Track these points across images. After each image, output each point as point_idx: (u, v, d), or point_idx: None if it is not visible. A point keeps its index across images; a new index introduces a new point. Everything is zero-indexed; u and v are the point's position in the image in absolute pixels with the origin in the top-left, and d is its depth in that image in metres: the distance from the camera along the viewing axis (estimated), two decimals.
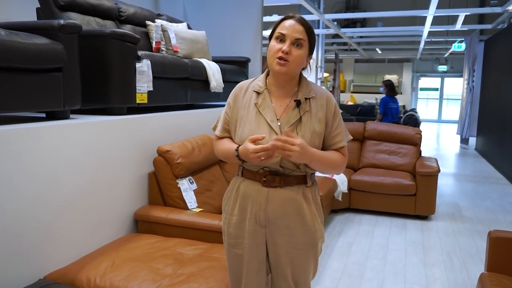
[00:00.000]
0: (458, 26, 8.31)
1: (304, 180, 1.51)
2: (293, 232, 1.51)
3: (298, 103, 1.48)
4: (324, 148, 1.55)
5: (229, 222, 1.58)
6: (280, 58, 1.43)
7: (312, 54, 1.52)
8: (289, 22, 1.44)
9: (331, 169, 1.55)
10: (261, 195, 1.49)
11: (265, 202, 1.49)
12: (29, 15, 2.75)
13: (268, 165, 1.46)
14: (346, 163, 1.58)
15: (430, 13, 7.01)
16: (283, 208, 1.49)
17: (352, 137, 1.64)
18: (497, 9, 7.09)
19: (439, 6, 6.69)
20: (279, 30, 1.45)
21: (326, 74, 13.32)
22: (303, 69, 1.55)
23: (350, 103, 14.41)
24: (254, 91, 1.54)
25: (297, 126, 1.47)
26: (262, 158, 1.38)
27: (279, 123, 1.48)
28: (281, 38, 1.44)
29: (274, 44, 1.45)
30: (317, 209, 1.56)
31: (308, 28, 1.45)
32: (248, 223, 1.52)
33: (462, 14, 7.67)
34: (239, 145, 1.49)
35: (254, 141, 1.40)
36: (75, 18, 2.63)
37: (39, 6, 2.61)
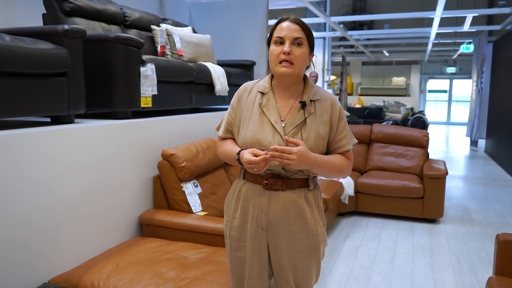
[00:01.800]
0: (466, 27, 8.24)
1: (306, 183, 1.50)
2: (295, 235, 1.50)
3: (303, 105, 1.47)
4: (329, 151, 1.54)
5: (231, 225, 1.57)
6: (283, 60, 1.42)
7: (313, 52, 1.51)
8: (284, 24, 1.45)
9: (335, 174, 1.54)
10: (263, 198, 1.49)
11: (267, 205, 1.48)
12: (36, 21, 2.78)
13: (270, 168, 1.45)
14: (351, 167, 1.57)
15: (437, 15, 6.96)
16: (284, 211, 1.48)
17: (357, 141, 1.63)
18: (506, 10, 7.02)
19: (447, 7, 6.65)
20: (276, 34, 1.45)
21: (333, 77, 13.29)
22: (307, 68, 1.54)
23: (357, 106, 14.36)
24: (258, 91, 1.53)
25: (301, 128, 1.46)
26: (255, 169, 1.40)
27: (283, 124, 1.47)
28: (280, 41, 1.44)
29: (274, 48, 1.45)
30: (319, 213, 1.55)
31: (304, 26, 1.45)
32: (250, 226, 1.52)
33: (469, 15, 7.61)
34: (242, 149, 1.49)
35: (255, 154, 1.40)
36: (80, 23, 2.66)
37: (45, 12, 2.64)
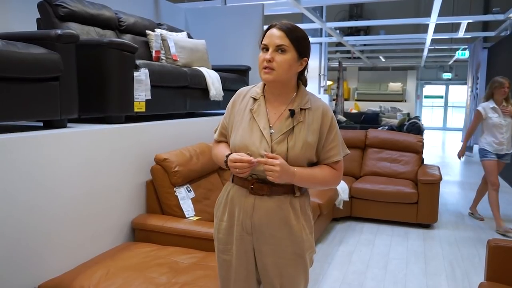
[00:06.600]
0: (461, 33, 8.30)
1: (292, 190, 1.50)
2: (279, 241, 1.50)
3: (292, 113, 1.48)
4: (318, 161, 1.54)
5: (219, 227, 1.59)
6: (265, 67, 1.44)
7: (305, 56, 1.49)
8: (270, 31, 1.46)
9: (319, 186, 1.55)
10: (248, 203, 1.50)
11: (251, 209, 1.49)
12: (30, 26, 2.78)
13: (256, 173, 1.46)
14: (339, 178, 1.56)
15: (433, 21, 7.01)
16: (268, 217, 1.49)
17: (349, 152, 1.61)
18: (500, 17, 7.08)
19: (442, 14, 6.69)
20: (263, 41, 1.47)
21: (329, 82, 13.33)
22: (302, 72, 1.53)
23: (354, 111, 14.39)
24: (251, 97, 1.55)
25: (288, 136, 1.46)
26: (237, 170, 1.41)
27: (271, 131, 1.48)
28: (266, 48, 1.46)
29: (260, 55, 1.48)
30: (306, 220, 1.55)
31: (289, 32, 1.43)
32: (236, 229, 1.53)
33: (464, 22, 7.67)
34: (231, 152, 1.50)
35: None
36: (74, 28, 2.66)
37: (39, 16, 2.65)
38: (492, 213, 4.18)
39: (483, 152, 4.25)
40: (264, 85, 1.56)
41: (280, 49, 1.43)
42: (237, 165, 1.40)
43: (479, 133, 4.44)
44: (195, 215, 2.51)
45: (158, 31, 3.28)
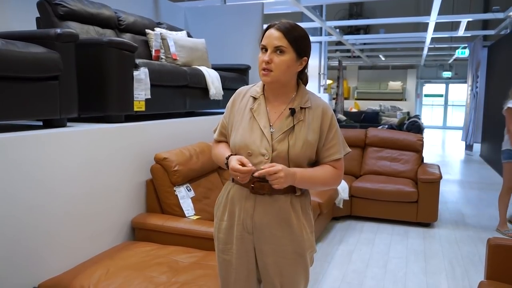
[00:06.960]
0: (461, 32, 8.29)
1: (293, 189, 1.50)
2: (279, 241, 1.50)
3: (292, 112, 1.48)
4: (318, 160, 1.54)
5: (219, 227, 1.58)
6: (263, 68, 1.44)
7: (305, 56, 1.48)
8: (268, 32, 1.45)
9: (320, 186, 1.54)
10: (249, 202, 1.50)
11: (252, 209, 1.49)
12: (29, 25, 2.78)
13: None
14: (340, 177, 1.56)
15: (432, 19, 7.00)
16: (269, 216, 1.49)
17: (350, 150, 1.60)
18: (499, 15, 7.07)
19: (442, 12, 6.68)
20: (262, 41, 1.46)
21: (329, 81, 13.32)
22: (302, 71, 1.53)
23: (354, 110, 14.39)
24: (251, 96, 1.55)
25: (289, 135, 1.46)
26: (238, 178, 1.41)
27: (272, 130, 1.48)
28: (264, 49, 1.45)
29: (260, 55, 1.47)
30: (306, 219, 1.55)
31: (287, 32, 1.42)
32: (236, 229, 1.53)
33: (464, 20, 7.66)
34: (231, 153, 1.50)
35: (242, 164, 1.41)
36: (74, 27, 2.66)
37: (39, 15, 2.65)
38: (499, 212, 4.17)
39: (510, 153, 3.99)
40: (264, 84, 1.56)
41: (278, 50, 1.42)
42: (238, 174, 1.40)
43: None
44: (195, 214, 2.51)
45: (158, 30, 3.28)
